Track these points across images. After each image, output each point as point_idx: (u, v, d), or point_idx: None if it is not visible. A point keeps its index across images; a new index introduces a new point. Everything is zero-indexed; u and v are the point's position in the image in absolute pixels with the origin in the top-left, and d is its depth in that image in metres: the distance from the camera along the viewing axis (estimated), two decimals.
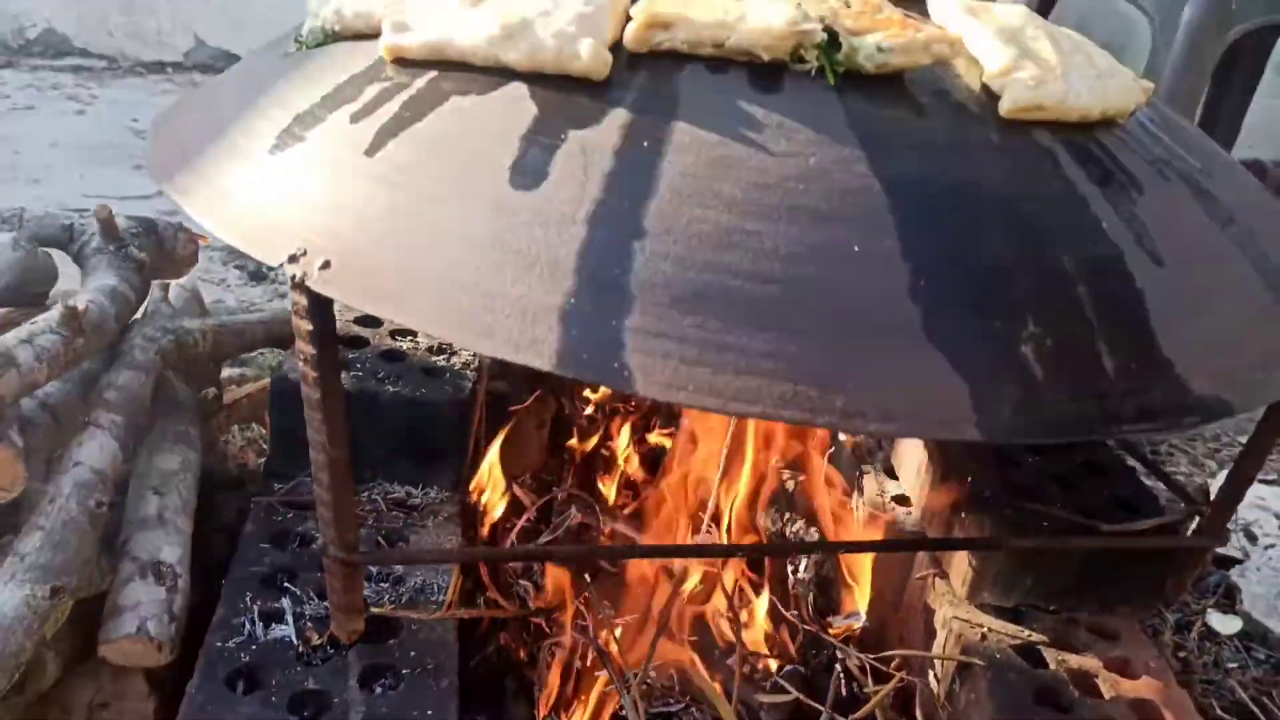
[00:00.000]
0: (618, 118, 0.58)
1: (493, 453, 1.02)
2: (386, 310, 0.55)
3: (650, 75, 0.61)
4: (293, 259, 0.55)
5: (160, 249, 1.10)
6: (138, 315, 1.05)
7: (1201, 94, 2.24)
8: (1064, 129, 0.63)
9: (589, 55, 0.59)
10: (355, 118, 0.61)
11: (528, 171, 0.56)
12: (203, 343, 1.10)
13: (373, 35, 0.67)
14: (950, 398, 0.51)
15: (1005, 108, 0.62)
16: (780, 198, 0.54)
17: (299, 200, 0.59)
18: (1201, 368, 0.57)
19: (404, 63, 0.64)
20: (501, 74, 0.61)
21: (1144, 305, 0.57)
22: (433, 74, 0.63)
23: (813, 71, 0.60)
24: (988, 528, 0.87)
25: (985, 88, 0.64)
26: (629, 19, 0.62)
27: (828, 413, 0.50)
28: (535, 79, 0.60)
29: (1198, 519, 0.83)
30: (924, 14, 0.71)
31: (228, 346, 1.18)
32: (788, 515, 1.03)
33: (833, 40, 0.60)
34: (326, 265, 0.54)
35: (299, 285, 0.55)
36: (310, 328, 0.58)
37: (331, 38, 0.70)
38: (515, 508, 1.03)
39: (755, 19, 0.60)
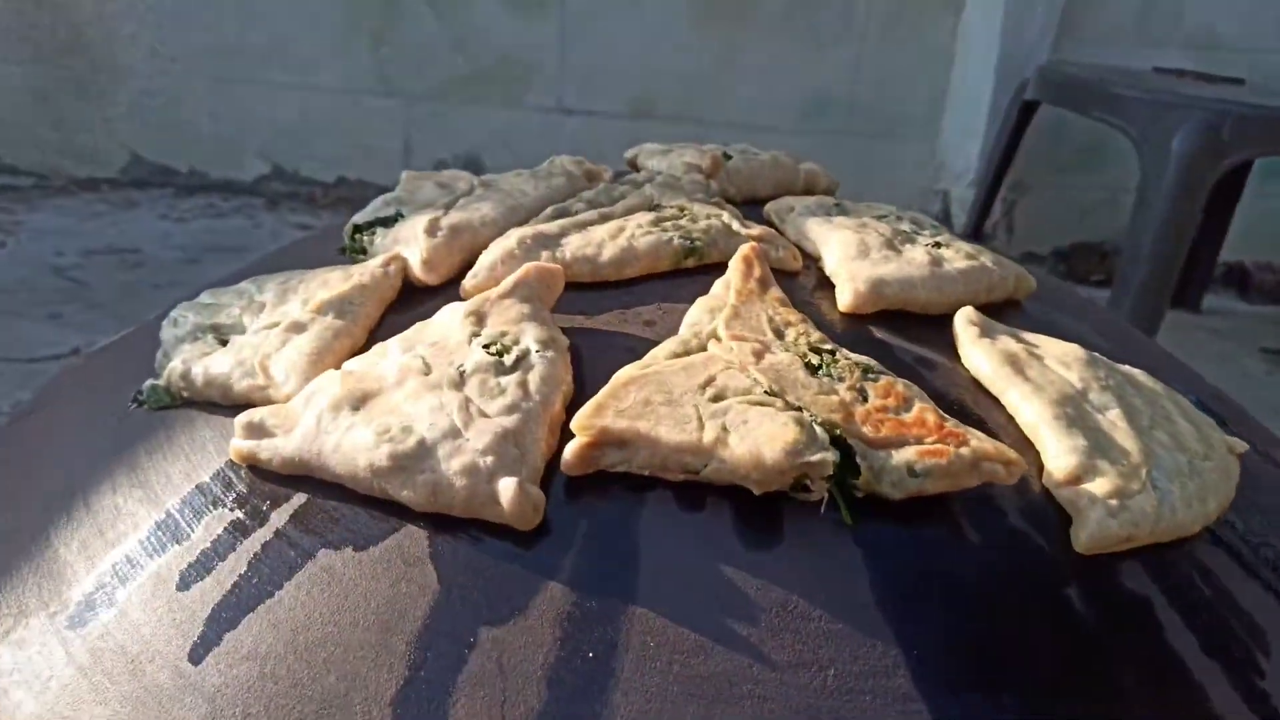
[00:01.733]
0: (551, 602, 0.41)
1: None
2: None
3: (598, 518, 0.44)
4: None
5: None
6: None
7: (1196, 224, 2.12)
8: (1155, 553, 0.47)
9: (510, 502, 0.42)
10: (182, 582, 0.44)
11: (416, 712, 0.38)
12: None
13: (228, 407, 0.51)
14: None
15: (1085, 545, 0.45)
16: None
17: None
18: None
19: (261, 474, 0.47)
20: (390, 508, 0.44)
21: None
22: (299, 500, 0.45)
23: (822, 507, 0.44)
24: None
25: (1044, 489, 0.48)
26: (566, 429, 0.45)
27: None
28: (438, 522, 0.43)
29: None
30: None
31: None
32: None
33: (847, 460, 0.44)
34: None
35: None
36: None
37: (178, 401, 0.53)
38: None
39: (742, 443, 0.43)
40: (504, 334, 0.49)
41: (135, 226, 2.71)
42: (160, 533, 0.46)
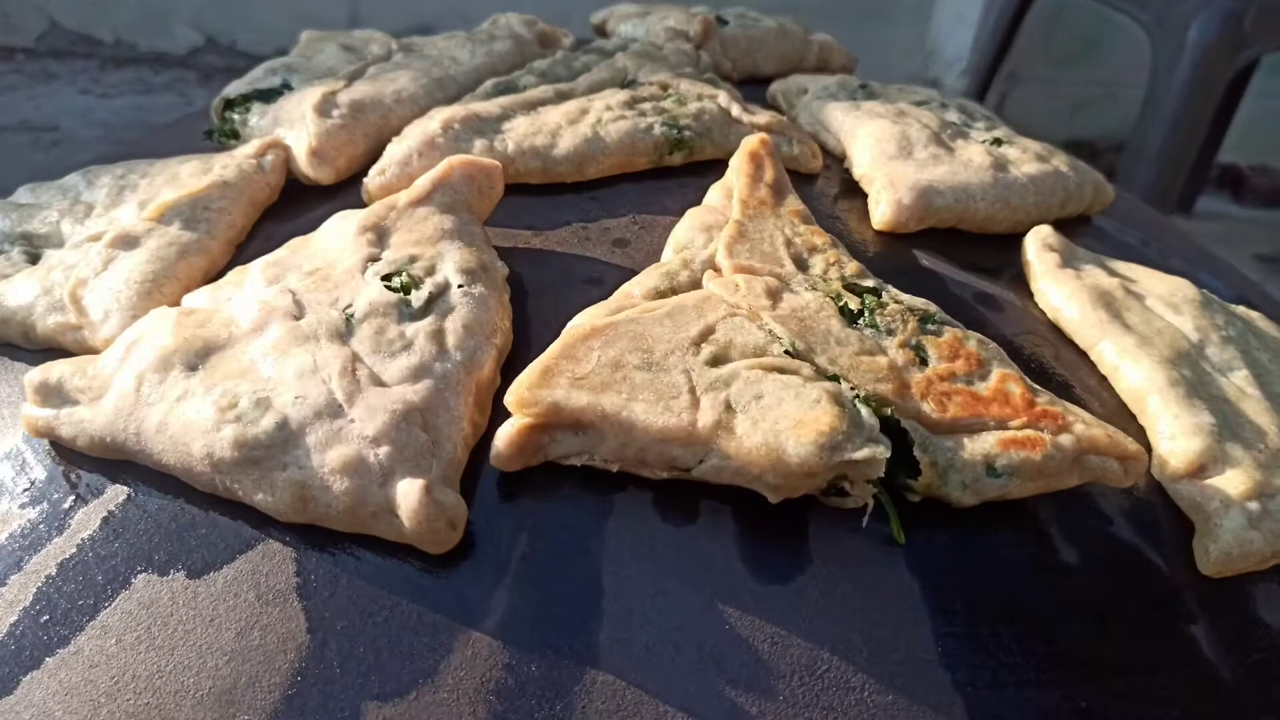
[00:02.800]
0: (474, 665, 0.28)
1: None
2: None
3: (544, 535, 0.30)
4: None
5: None
6: None
7: (1208, 119, 1.98)
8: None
9: (413, 515, 0.28)
10: None
11: None
12: None
13: (32, 351, 0.37)
14: None
15: (1212, 566, 0.33)
16: None
17: None
18: None
19: (67, 453, 0.33)
20: (243, 513, 0.30)
21: None
22: (113, 496, 0.32)
23: (865, 519, 0.31)
24: None
25: (1155, 483, 0.35)
26: (500, 402, 0.31)
27: None
28: (309, 536, 0.30)
29: None
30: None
31: None
32: None
33: (901, 452, 0.31)
34: None
35: None
36: None
37: None
38: None
39: (755, 431, 0.29)
40: (413, 259, 0.34)
41: (52, 101, 2.46)
42: None
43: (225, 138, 0.46)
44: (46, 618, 0.30)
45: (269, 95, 0.46)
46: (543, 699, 0.27)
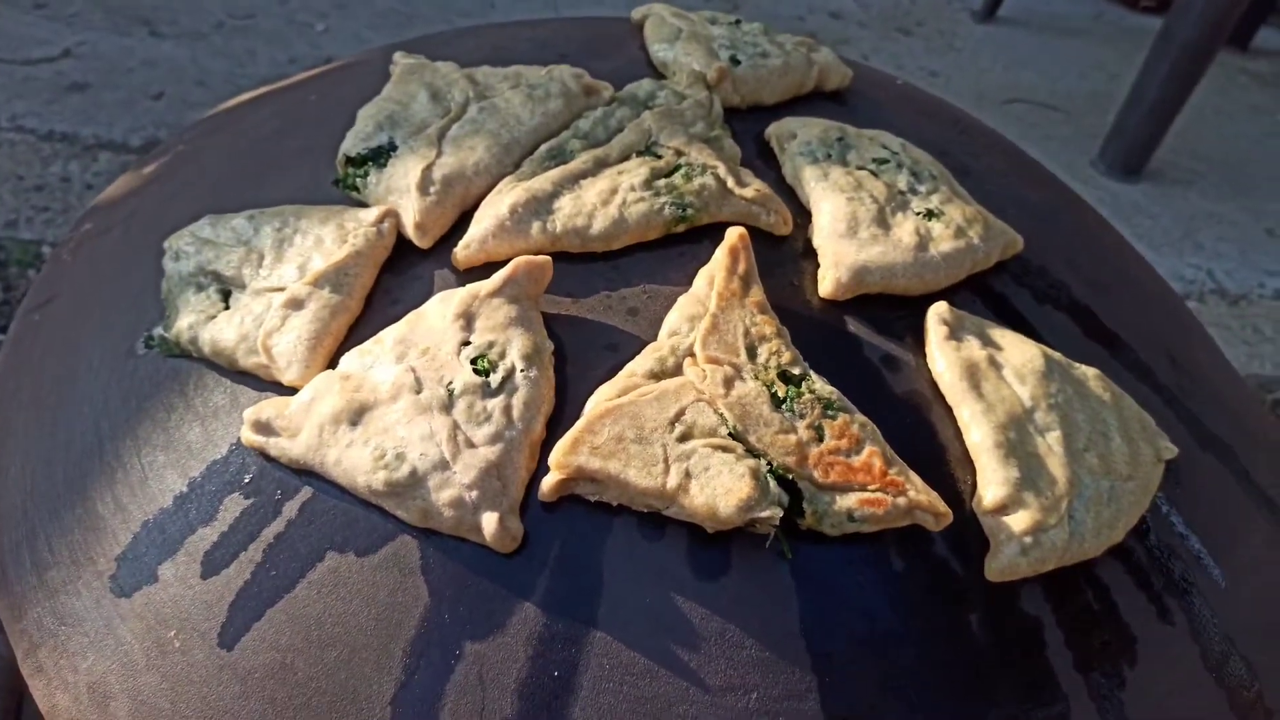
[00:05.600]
0: (525, 622, 0.48)
1: None
2: None
3: (570, 541, 0.50)
4: None
5: None
6: None
7: None
8: (1057, 576, 0.53)
9: (492, 533, 0.48)
10: (209, 564, 0.51)
11: (411, 714, 0.47)
12: None
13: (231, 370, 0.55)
14: None
15: (992, 575, 0.52)
16: None
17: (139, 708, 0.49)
18: None
19: (270, 459, 0.52)
20: (386, 516, 0.50)
21: None
22: (306, 494, 0.51)
23: (768, 542, 0.50)
24: None
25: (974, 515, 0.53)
26: (547, 446, 0.50)
27: None
28: (428, 534, 0.50)
29: None
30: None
31: None
32: None
33: (795, 502, 0.49)
34: None
35: None
36: None
37: (186, 354, 0.57)
38: None
39: (701, 493, 0.48)
40: (491, 344, 0.52)
41: None
42: (187, 506, 0.52)
43: (348, 189, 0.61)
44: (274, 573, 0.50)
45: (379, 157, 0.61)
46: (564, 644, 0.48)
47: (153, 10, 2.07)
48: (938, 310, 0.59)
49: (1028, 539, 0.52)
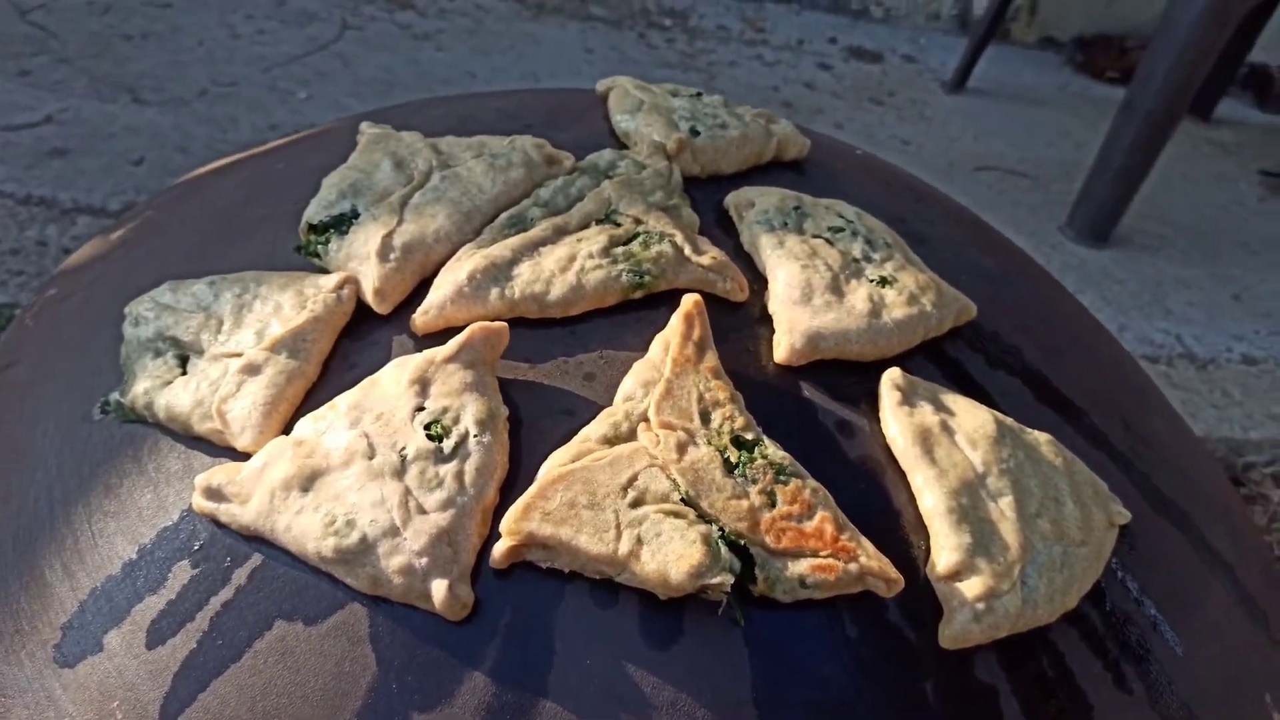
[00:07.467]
0: (475, 691, 0.47)
1: None
2: None
3: (521, 608, 0.49)
4: None
5: None
6: None
7: (1218, 51, 2.03)
8: (1011, 643, 0.53)
9: (442, 601, 0.47)
10: (155, 633, 0.50)
11: None
12: None
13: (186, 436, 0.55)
14: None
15: (945, 642, 0.52)
16: None
17: None
18: None
19: (221, 525, 0.52)
20: (336, 584, 0.50)
21: None
22: (255, 561, 0.51)
23: (720, 610, 0.50)
24: None
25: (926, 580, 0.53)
26: (500, 511, 0.50)
27: None
28: (378, 602, 0.49)
29: None
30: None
31: None
32: None
33: (747, 568, 0.49)
34: None
35: None
36: None
37: (142, 420, 0.57)
38: None
39: (652, 560, 0.48)
40: (445, 410, 0.52)
41: None
42: (135, 573, 0.52)
43: (310, 255, 0.62)
44: (220, 641, 0.49)
45: (341, 224, 0.62)
46: (516, 715, 0.47)
47: (137, 78, 2.10)
48: (891, 376, 0.59)
49: (980, 605, 0.52)
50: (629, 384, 0.55)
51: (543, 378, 0.57)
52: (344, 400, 0.53)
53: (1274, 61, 2.97)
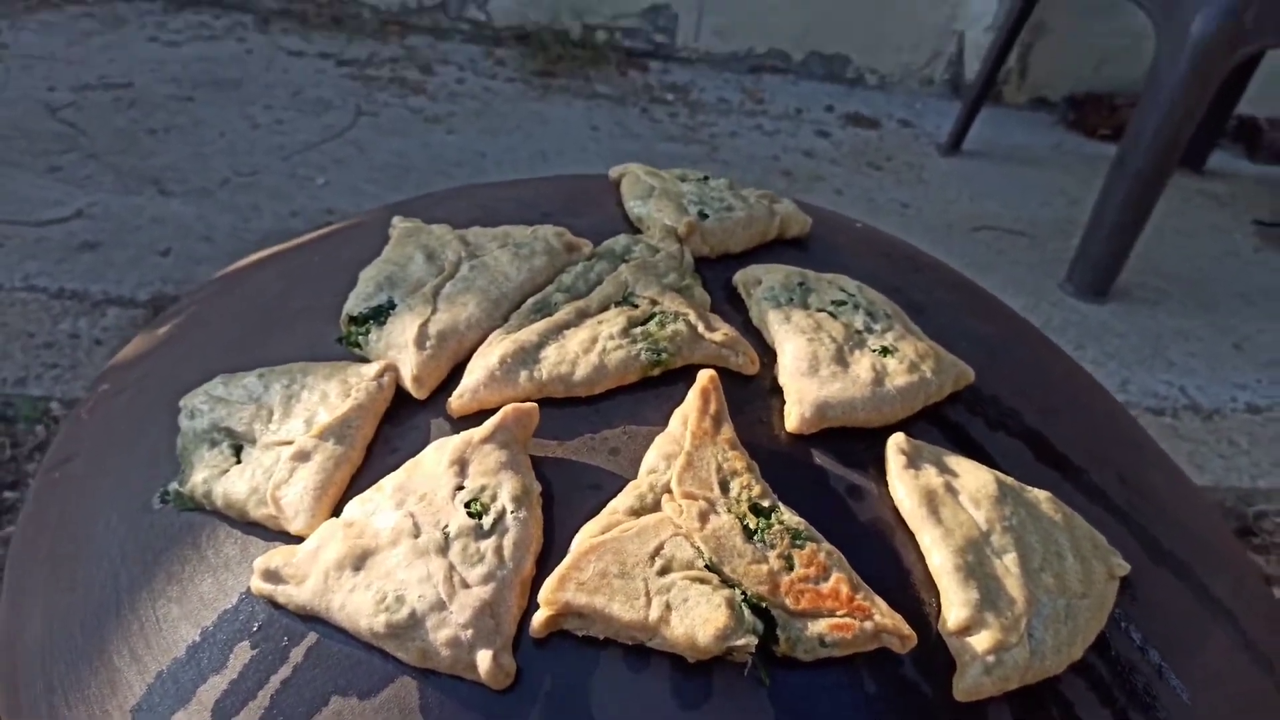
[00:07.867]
0: None
1: None
2: None
3: (560, 675, 0.53)
4: None
5: None
6: None
7: (1203, 109, 2.09)
8: (1022, 694, 0.56)
9: (487, 670, 0.51)
10: (219, 712, 0.53)
11: None
12: None
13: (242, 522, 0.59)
14: None
15: (959, 695, 0.55)
16: None
17: None
18: None
19: (278, 605, 0.55)
20: (387, 658, 0.53)
21: None
22: (311, 639, 0.54)
23: (746, 670, 0.53)
24: None
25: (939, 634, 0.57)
26: (537, 583, 0.53)
27: None
28: (427, 675, 0.53)
29: None
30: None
31: None
32: None
33: (769, 629, 0.53)
34: None
35: None
36: None
37: (200, 508, 0.61)
38: None
39: (681, 624, 0.51)
40: (483, 488, 0.56)
41: (125, 52, 2.65)
42: (199, 656, 0.55)
43: (351, 345, 0.67)
44: (281, 717, 0.53)
45: (379, 315, 0.67)
46: None
47: (161, 170, 2.18)
48: (896, 441, 0.63)
49: (990, 658, 0.55)
50: (652, 457, 0.59)
51: (571, 454, 0.61)
52: (389, 482, 0.57)
53: (1261, 114, 3.05)
